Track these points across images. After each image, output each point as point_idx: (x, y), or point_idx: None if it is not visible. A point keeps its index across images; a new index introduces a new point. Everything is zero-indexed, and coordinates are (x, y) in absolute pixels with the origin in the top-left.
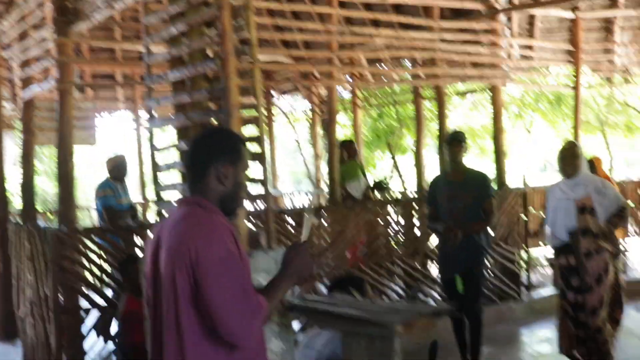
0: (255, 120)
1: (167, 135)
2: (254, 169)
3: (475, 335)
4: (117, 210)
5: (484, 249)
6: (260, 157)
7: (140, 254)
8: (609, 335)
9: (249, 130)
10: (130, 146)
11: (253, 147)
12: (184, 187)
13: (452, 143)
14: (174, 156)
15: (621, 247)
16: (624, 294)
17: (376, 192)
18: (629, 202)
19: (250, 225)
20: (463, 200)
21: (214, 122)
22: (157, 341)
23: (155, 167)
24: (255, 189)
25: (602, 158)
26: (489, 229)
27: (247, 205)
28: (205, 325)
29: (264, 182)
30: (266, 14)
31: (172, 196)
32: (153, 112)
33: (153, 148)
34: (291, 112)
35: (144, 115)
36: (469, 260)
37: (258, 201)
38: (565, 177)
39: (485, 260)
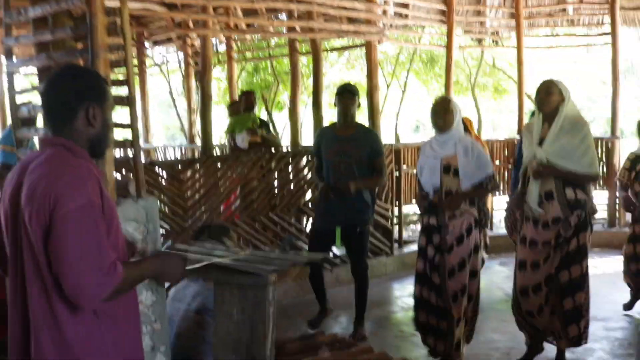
0: (123, 62)
1: (30, 80)
2: (122, 114)
3: (361, 293)
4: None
5: (371, 206)
6: (128, 101)
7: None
8: (468, 305)
9: (116, 73)
10: None
11: (121, 90)
12: (46, 132)
13: (344, 95)
14: (36, 99)
15: (488, 213)
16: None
17: (262, 131)
18: (496, 161)
19: (118, 173)
20: (351, 156)
21: (79, 62)
22: (18, 292)
23: (15, 113)
24: (123, 134)
25: (472, 119)
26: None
27: (115, 152)
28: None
29: (132, 127)
30: None
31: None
32: (12, 52)
33: (13, 92)
34: (164, 64)
35: (2, 57)
36: (355, 216)
37: (127, 149)
38: (437, 131)
39: (371, 218)
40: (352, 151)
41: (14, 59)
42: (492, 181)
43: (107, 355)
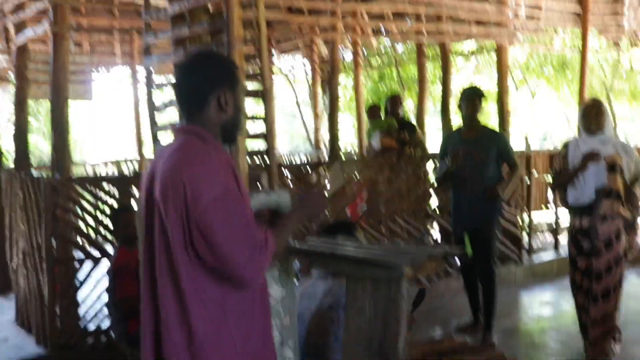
0: (257, 56)
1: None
2: (255, 108)
3: (489, 298)
4: None
5: (496, 208)
6: (263, 95)
7: (134, 204)
8: (613, 308)
9: (250, 67)
10: (127, 103)
11: (255, 84)
12: (181, 123)
13: (472, 98)
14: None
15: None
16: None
17: (402, 133)
18: None
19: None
20: (476, 158)
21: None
22: (151, 286)
23: (152, 107)
24: (257, 127)
25: None
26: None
27: (249, 144)
28: (203, 267)
29: (266, 120)
30: None
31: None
32: (151, 49)
33: (149, 86)
34: (291, 71)
35: (141, 71)
36: (480, 220)
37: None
38: (587, 134)
39: (497, 221)
40: (477, 153)
41: (152, 55)
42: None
43: (235, 350)
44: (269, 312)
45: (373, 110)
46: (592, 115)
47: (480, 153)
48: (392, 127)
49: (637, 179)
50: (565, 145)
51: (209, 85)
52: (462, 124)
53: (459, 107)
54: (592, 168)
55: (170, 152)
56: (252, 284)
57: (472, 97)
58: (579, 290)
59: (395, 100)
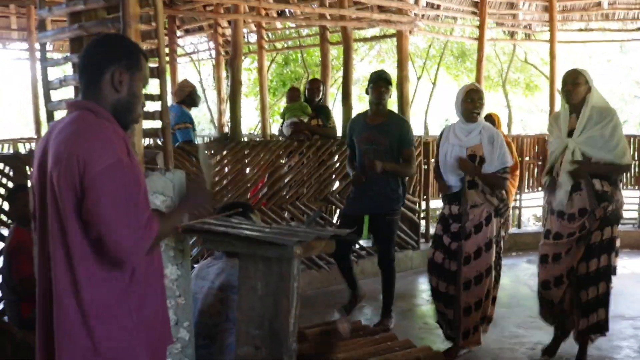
0: (154, 33)
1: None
2: (151, 85)
3: (388, 284)
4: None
5: (400, 195)
6: (159, 71)
7: (30, 183)
8: (485, 294)
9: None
10: (25, 81)
11: (152, 61)
12: (75, 98)
13: (378, 82)
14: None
15: (508, 203)
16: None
17: (315, 121)
18: (525, 157)
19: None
20: (380, 144)
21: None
22: (45, 259)
23: (47, 83)
24: (153, 106)
25: (500, 115)
26: (406, 178)
27: (145, 123)
28: (93, 240)
29: (162, 98)
30: None
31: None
32: (45, 24)
33: (44, 62)
34: (195, 53)
35: (38, 46)
36: (383, 204)
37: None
38: (467, 121)
39: (400, 209)
40: (382, 139)
41: (46, 30)
42: (504, 174)
43: (131, 320)
44: (164, 288)
45: (292, 93)
46: (476, 99)
47: (384, 139)
48: (303, 112)
49: (505, 170)
50: (441, 134)
51: (105, 60)
52: (369, 108)
53: (367, 91)
54: (454, 156)
55: (63, 125)
56: (129, 261)
57: (378, 82)
58: (437, 271)
59: (312, 85)
